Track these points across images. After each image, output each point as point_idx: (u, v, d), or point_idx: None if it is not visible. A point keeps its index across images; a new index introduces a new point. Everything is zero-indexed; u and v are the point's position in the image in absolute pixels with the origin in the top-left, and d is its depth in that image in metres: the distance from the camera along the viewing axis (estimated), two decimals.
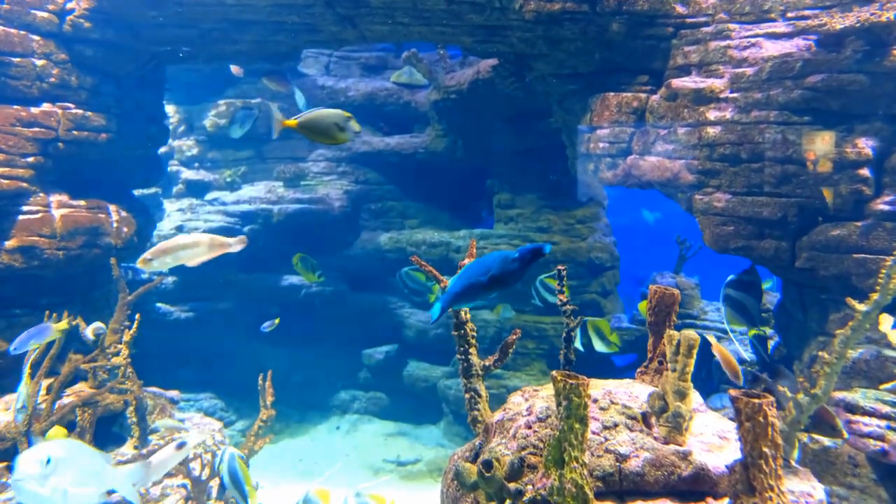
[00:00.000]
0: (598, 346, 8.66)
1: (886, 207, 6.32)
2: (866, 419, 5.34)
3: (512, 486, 3.40)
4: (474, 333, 4.82)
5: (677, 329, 3.93)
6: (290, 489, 9.45)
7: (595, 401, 3.78)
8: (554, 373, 3.19)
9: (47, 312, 6.62)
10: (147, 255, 5.38)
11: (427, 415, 12.31)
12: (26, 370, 6.10)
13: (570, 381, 3.08)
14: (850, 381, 6.28)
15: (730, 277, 6.93)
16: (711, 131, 7.05)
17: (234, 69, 12.28)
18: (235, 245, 5.69)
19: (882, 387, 5.99)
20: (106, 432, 7.20)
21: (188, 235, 5.66)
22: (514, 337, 4.98)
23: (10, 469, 6.21)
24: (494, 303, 11.74)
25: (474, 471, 3.38)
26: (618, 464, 3.42)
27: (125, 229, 8.82)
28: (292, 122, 5.56)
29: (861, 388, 6.03)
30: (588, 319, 8.94)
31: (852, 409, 5.47)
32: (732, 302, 6.73)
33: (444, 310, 3.83)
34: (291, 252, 12.75)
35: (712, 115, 7.10)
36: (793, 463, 4.77)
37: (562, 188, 12.21)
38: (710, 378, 10.03)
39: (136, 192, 10.56)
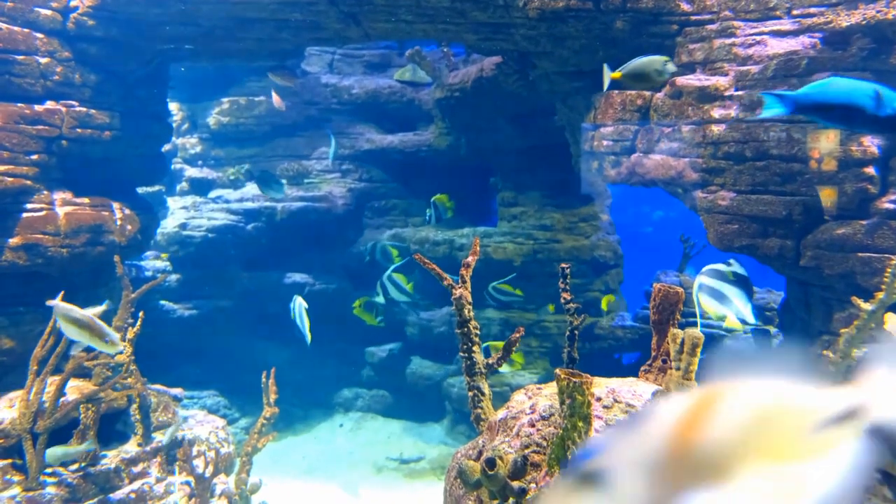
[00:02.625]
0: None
1: (892, 206, 6.29)
2: None
3: (515, 484, 3.40)
4: (478, 331, 4.82)
5: (681, 327, 3.92)
6: (294, 487, 9.48)
7: (598, 399, 3.77)
8: (557, 371, 3.18)
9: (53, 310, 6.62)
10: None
11: (430, 413, 12.31)
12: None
13: (574, 380, 3.07)
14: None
15: (706, 267, 6.58)
16: (716, 129, 7.03)
17: (276, 100, 12.36)
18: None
19: None
20: (109, 430, 7.21)
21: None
22: (517, 335, 4.97)
23: (14, 466, 6.23)
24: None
25: (477, 469, 3.37)
26: None
27: (129, 227, 8.82)
28: (617, 73, 5.93)
29: None
30: (489, 344, 9.39)
31: None
32: (708, 290, 6.36)
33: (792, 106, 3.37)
34: (295, 250, 12.80)
35: (717, 112, 7.07)
36: None
37: (565, 186, 12.20)
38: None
39: (140, 190, 10.56)
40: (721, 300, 6.10)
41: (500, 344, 9.21)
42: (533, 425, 3.72)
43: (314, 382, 12.80)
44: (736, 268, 6.20)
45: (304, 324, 9.01)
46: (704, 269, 6.35)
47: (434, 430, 12.07)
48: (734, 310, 6.03)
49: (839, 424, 1.15)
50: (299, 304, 9.10)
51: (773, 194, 6.79)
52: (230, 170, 13.40)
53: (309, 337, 9.07)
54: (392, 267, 10.53)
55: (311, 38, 9.20)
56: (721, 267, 6.20)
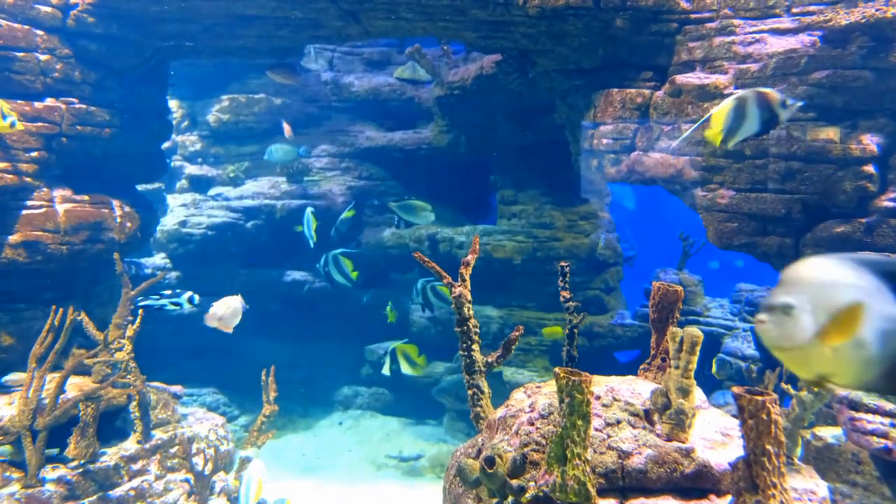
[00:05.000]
0: (405, 370, 9.92)
1: (891, 204, 6.30)
2: (870, 416, 5.33)
3: (514, 482, 3.41)
4: (477, 329, 4.82)
5: (680, 326, 3.92)
6: (293, 484, 9.49)
7: (598, 397, 3.78)
8: (557, 369, 3.19)
9: (53, 307, 6.63)
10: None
11: (429, 411, 12.32)
12: None
13: (573, 378, 3.08)
14: None
15: None
16: None
17: (287, 130, 12.43)
18: None
19: None
20: (109, 427, 7.22)
21: None
22: (517, 333, 4.98)
23: (12, 464, 6.23)
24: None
25: (477, 467, 3.38)
26: (620, 461, 3.42)
27: (128, 224, 8.83)
28: None
29: None
30: (396, 346, 9.92)
31: (856, 406, 5.46)
32: None
33: None
34: (294, 248, 12.80)
35: None
36: (796, 460, 4.77)
37: (565, 184, 12.21)
38: (713, 375, 10.03)
39: (140, 188, 10.56)
40: None
41: (410, 347, 9.87)
42: (532, 424, 3.72)
43: (314, 380, 12.81)
44: None
45: (311, 226, 9.89)
46: None
47: (433, 428, 12.08)
48: None
49: None
50: (308, 210, 9.99)
51: (773, 192, 6.80)
52: (230, 167, 13.40)
53: (314, 238, 10.00)
54: (341, 250, 10.67)
55: (311, 36, 9.19)
56: None
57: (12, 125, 6.83)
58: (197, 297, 6.56)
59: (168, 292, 6.44)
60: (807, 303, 2.26)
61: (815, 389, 5.15)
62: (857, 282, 2.36)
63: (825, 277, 2.36)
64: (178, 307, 6.48)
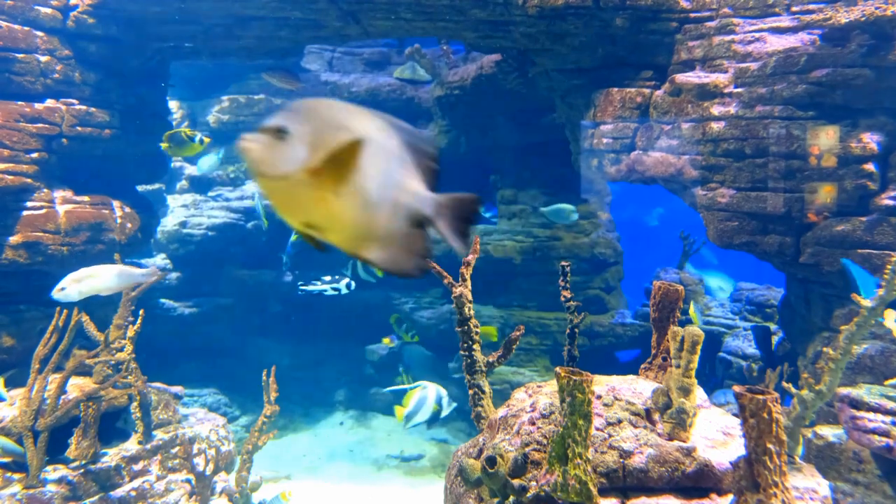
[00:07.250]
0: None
1: (891, 202, 6.30)
2: (871, 415, 5.33)
3: (516, 482, 3.41)
4: (478, 329, 4.83)
5: (681, 325, 3.92)
6: (294, 485, 9.49)
7: (599, 397, 3.78)
8: (558, 369, 3.19)
9: (58, 308, 6.63)
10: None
11: None
12: None
13: (574, 378, 3.08)
14: (854, 377, 6.27)
15: None
16: (715, 126, 7.03)
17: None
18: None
19: (887, 382, 5.98)
20: (110, 428, 7.22)
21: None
22: (518, 333, 4.98)
23: (7, 466, 6.23)
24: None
25: (478, 467, 3.38)
26: (621, 460, 3.42)
27: (129, 225, 8.82)
28: None
29: (866, 383, 6.02)
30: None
31: (857, 405, 5.46)
32: None
33: None
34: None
35: (716, 110, 7.08)
36: (797, 459, 4.77)
37: (565, 184, 12.20)
38: (713, 374, 10.03)
39: (140, 188, 10.56)
40: None
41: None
42: (533, 423, 3.72)
43: (315, 380, 12.81)
44: None
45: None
46: None
47: (434, 428, 12.07)
48: None
49: None
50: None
51: (773, 191, 6.80)
52: (230, 167, 13.39)
53: None
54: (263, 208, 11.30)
55: (310, 37, 9.19)
56: None
57: (201, 142, 7.00)
58: (353, 284, 6.72)
59: (328, 278, 6.59)
60: (307, 135, 1.92)
61: (816, 388, 5.15)
62: (378, 137, 2.06)
63: (340, 119, 2.03)
64: (336, 293, 6.66)
